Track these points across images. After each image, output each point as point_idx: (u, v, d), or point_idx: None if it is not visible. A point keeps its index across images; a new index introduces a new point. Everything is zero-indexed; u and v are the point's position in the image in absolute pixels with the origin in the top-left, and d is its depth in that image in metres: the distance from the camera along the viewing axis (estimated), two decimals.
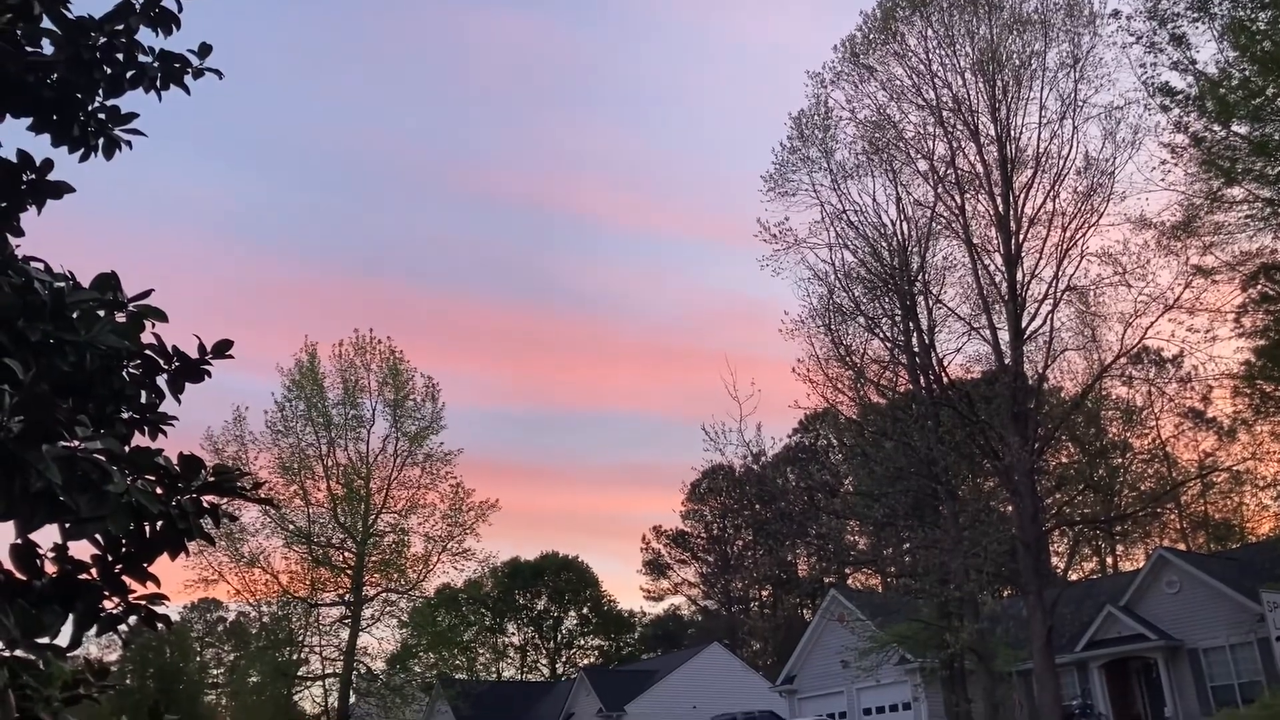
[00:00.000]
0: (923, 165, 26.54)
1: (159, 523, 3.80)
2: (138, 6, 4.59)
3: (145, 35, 4.66)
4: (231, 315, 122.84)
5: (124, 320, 4.85)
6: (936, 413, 26.04)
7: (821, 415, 55.45)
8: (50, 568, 3.75)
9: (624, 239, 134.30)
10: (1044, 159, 25.36)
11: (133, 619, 4.10)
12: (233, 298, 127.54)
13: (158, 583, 3.94)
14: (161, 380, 4.95)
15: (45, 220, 4.84)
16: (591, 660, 79.11)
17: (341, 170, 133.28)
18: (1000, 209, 25.72)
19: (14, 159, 4.45)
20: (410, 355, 77.61)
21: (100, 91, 4.69)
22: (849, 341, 26.98)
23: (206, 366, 4.90)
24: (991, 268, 25.89)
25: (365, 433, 53.23)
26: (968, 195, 26.01)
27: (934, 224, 26.49)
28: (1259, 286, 38.30)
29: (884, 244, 26.21)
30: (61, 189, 4.64)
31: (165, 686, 79.14)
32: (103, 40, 4.54)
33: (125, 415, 4.92)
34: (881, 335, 26.80)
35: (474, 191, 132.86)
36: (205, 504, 3.92)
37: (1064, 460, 37.98)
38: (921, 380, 26.60)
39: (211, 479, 3.93)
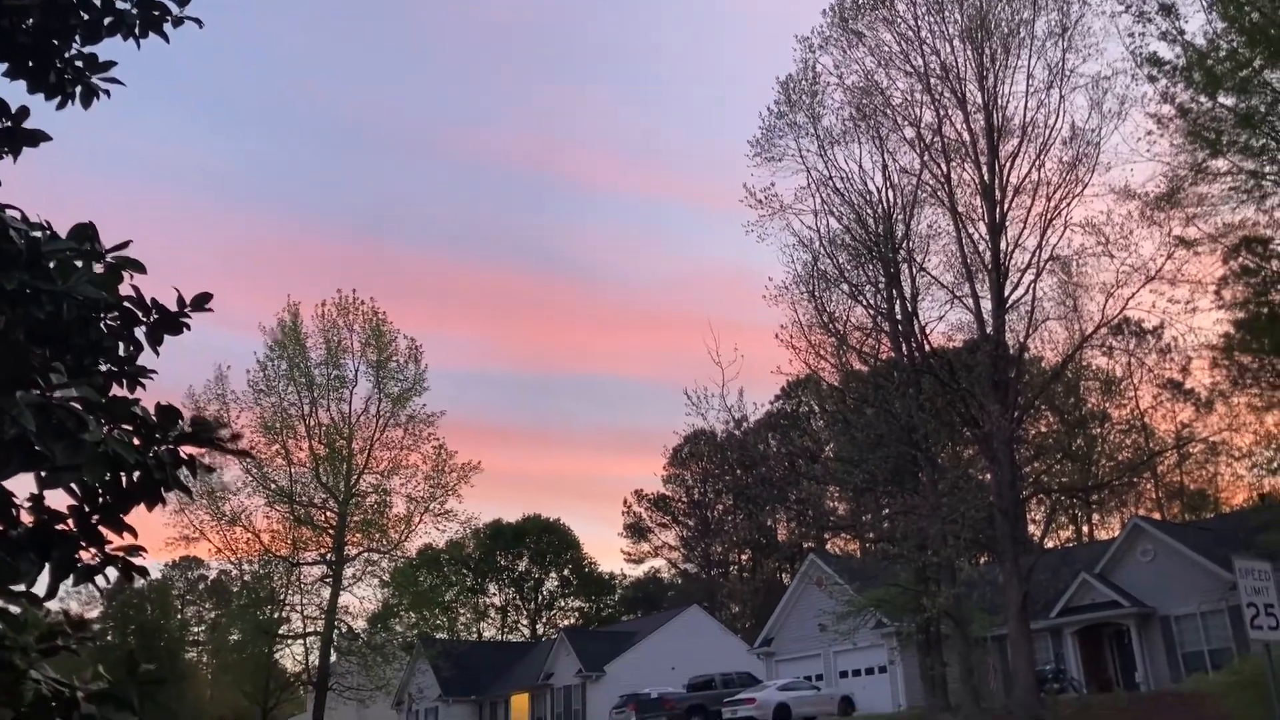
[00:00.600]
0: (909, 132, 26.52)
1: (135, 473, 3.78)
2: None
3: None
4: (214, 273, 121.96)
5: (102, 271, 4.80)
6: (918, 380, 26.17)
7: (803, 382, 55.67)
8: (26, 517, 3.74)
9: (613, 204, 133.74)
10: (1030, 128, 25.37)
11: (110, 570, 4.10)
12: (216, 256, 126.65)
13: (134, 534, 3.94)
14: (140, 332, 4.91)
15: (22, 169, 4.78)
16: (572, 621, 79.68)
17: (330, 129, 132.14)
18: (985, 178, 25.73)
19: None
20: (395, 316, 77.25)
21: (78, 37, 4.62)
22: (832, 308, 27.04)
23: (185, 319, 4.86)
24: (975, 236, 25.96)
25: (348, 393, 53.13)
26: (953, 163, 26.01)
27: (919, 192, 26.51)
28: (1240, 259, 38.54)
29: (869, 211, 26.22)
30: (38, 137, 4.58)
31: (145, 643, 79.35)
32: None
33: (103, 368, 4.89)
34: (865, 302, 26.87)
35: (464, 153, 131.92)
36: (183, 455, 3.91)
37: (1042, 430, 38.24)
38: (904, 348, 26.69)
39: (189, 430, 3.92)
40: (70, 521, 3.87)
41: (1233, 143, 18.60)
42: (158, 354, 4.85)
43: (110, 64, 4.73)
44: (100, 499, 3.74)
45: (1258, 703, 13.53)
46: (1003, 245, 25.63)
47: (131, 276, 4.69)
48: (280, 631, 54.21)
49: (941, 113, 26.02)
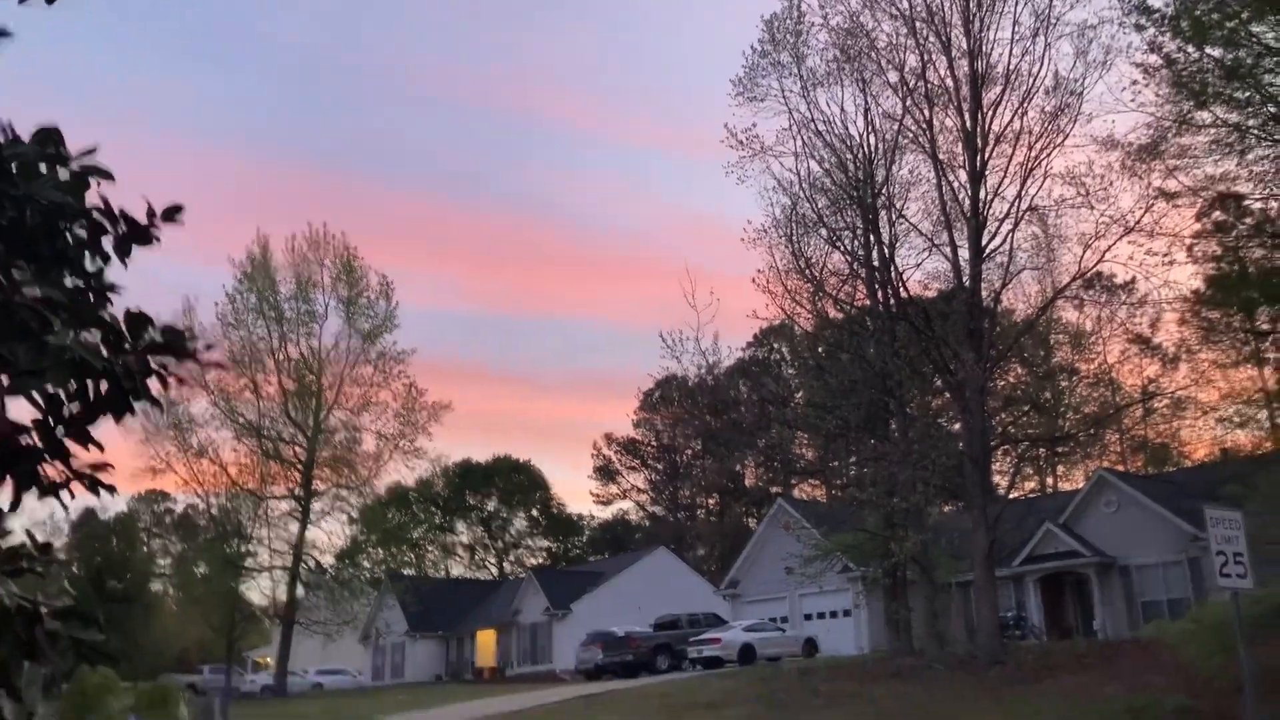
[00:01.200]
0: (893, 76, 26.20)
1: (103, 383, 3.61)
2: None
3: None
4: (182, 205, 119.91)
5: (68, 179, 4.57)
6: (893, 327, 26.16)
7: (777, 329, 55.69)
8: None
9: (593, 147, 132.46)
10: (1014, 76, 25.13)
11: (75, 486, 3.93)
12: (184, 188, 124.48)
13: (101, 448, 3.77)
14: (108, 244, 4.71)
15: None
16: (539, 561, 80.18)
17: (304, 63, 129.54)
18: (968, 125, 25.53)
19: None
20: (368, 253, 76.55)
21: None
22: (810, 253, 26.86)
23: (155, 231, 4.66)
24: (955, 184, 25.82)
25: (317, 328, 52.79)
26: (936, 109, 25.77)
27: (901, 137, 26.27)
28: (1214, 215, 38.67)
29: (850, 155, 25.98)
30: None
31: (110, 575, 79.05)
32: None
33: (69, 282, 4.68)
34: (842, 249, 26.73)
35: (442, 91, 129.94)
36: (153, 365, 3.73)
37: (1011, 381, 38.47)
38: (880, 295, 26.63)
39: (160, 339, 3.73)
40: (34, 435, 3.70)
41: (1218, 94, 18.52)
42: (126, 267, 4.65)
43: None
44: (66, 411, 3.57)
45: (1218, 650, 13.77)
46: (982, 194, 25.52)
47: (99, 185, 4.48)
48: (247, 565, 54.24)
49: (926, 57, 25.73)
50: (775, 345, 66.61)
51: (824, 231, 26.09)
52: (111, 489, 4.09)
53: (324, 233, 52.91)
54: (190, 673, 59.02)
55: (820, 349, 32.56)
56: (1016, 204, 25.20)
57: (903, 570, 27.04)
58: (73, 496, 4.05)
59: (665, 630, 39.03)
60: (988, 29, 25.36)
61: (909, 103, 25.80)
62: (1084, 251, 24.90)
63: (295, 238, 52.65)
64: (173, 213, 4.81)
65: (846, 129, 26.23)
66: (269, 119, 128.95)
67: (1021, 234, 25.86)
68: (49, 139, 4.58)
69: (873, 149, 26.07)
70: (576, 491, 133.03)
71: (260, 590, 60.95)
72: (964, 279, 25.53)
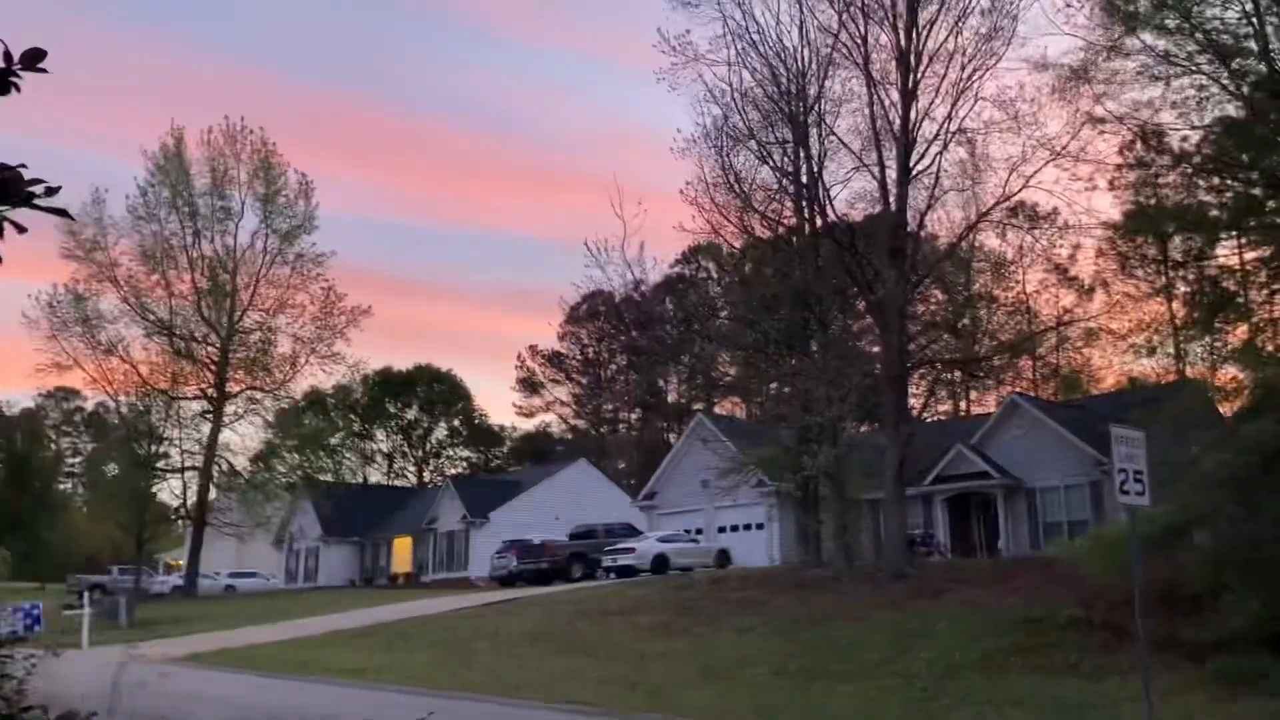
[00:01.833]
0: None
1: None
2: None
3: None
4: (96, 96, 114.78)
5: None
6: (817, 245, 26.13)
7: (705, 248, 55.49)
8: None
9: (523, 54, 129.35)
10: None
11: None
12: (96, 79, 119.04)
13: None
14: None
15: None
16: (460, 471, 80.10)
17: None
18: (902, 42, 25.29)
19: None
20: (288, 155, 74.20)
21: None
22: (739, 168, 26.54)
23: (14, 78, 4.24)
24: (887, 103, 25.66)
25: (233, 226, 51.35)
26: (872, 24, 25.46)
27: (835, 52, 25.92)
28: (1135, 150, 39.19)
29: (783, 68, 25.58)
30: None
31: (14, 473, 77.22)
32: None
33: None
34: (772, 164, 26.46)
35: None
36: None
37: (932, 308, 39.04)
38: (806, 212, 26.53)
39: None
40: None
41: (1148, 21, 18.53)
42: None
43: None
44: None
45: (1114, 565, 14.21)
46: (913, 114, 25.43)
47: None
48: (158, 466, 53.26)
49: None
50: (702, 263, 66.52)
51: (754, 145, 25.79)
52: None
53: (241, 127, 51.13)
54: (99, 573, 58.14)
55: (746, 265, 32.50)
56: (946, 125, 25.20)
57: (815, 485, 27.44)
58: None
59: (581, 540, 39.32)
60: None
61: (845, 16, 25.45)
62: (1009, 175, 25.04)
63: (211, 131, 50.82)
64: (35, 58, 4.38)
65: (781, 40, 25.81)
66: (189, 8, 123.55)
67: (949, 158, 25.92)
68: None
69: (806, 62, 25.73)
70: (499, 403, 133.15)
71: (171, 491, 59.98)
72: (890, 199, 25.52)
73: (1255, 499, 14.33)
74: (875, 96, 25.56)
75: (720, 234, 27.54)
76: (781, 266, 26.90)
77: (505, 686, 16.16)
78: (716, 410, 59.71)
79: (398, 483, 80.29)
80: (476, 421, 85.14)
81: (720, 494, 35.75)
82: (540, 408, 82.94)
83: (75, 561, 69.06)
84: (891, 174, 25.61)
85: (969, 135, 25.52)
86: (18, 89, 4.37)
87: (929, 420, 44.53)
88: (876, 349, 28.04)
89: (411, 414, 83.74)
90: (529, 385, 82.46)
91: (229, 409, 51.99)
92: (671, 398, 77.07)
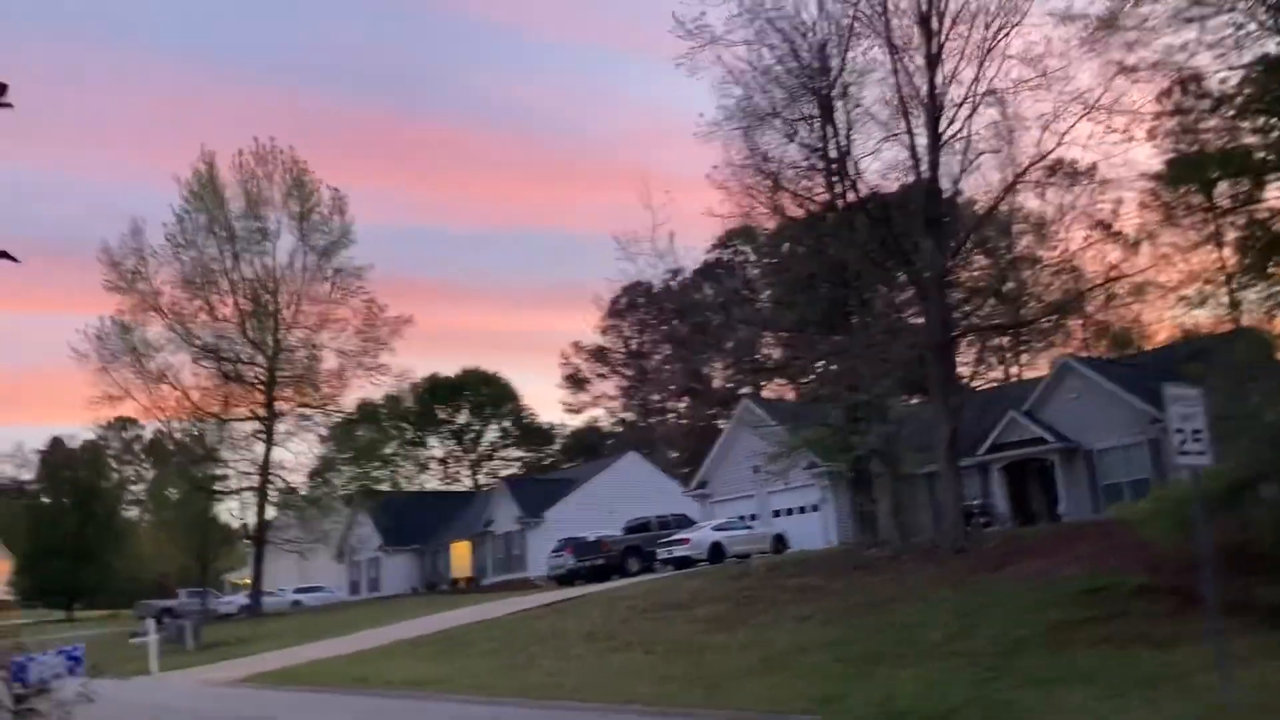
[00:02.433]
0: None
1: None
2: None
3: None
4: (130, 128, 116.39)
5: None
6: (851, 220, 25.67)
7: (739, 232, 54.99)
8: None
9: (549, 52, 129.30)
10: None
11: None
12: (130, 111, 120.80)
13: None
14: None
15: None
16: (514, 472, 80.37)
17: None
18: (923, 6, 24.73)
19: None
20: (323, 172, 74.75)
21: None
22: (765, 148, 26.11)
23: None
24: (912, 69, 25.08)
25: (271, 246, 51.79)
26: None
27: (855, 22, 25.37)
28: (1173, 95, 38.12)
29: (802, 42, 25.08)
30: None
31: (80, 503, 78.68)
32: None
33: None
34: (799, 141, 25.98)
35: (389, 2, 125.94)
36: None
37: (974, 274, 38.22)
38: (837, 187, 26.05)
39: None
40: None
41: None
42: None
43: None
44: None
45: (1177, 528, 13.72)
46: (939, 79, 24.87)
47: None
48: (217, 488, 54.01)
49: None
50: (739, 248, 66.05)
51: (779, 123, 25.33)
52: None
53: (271, 147, 51.52)
54: (168, 597, 59.08)
55: (781, 245, 32.08)
56: (974, 87, 24.59)
57: (867, 464, 27.04)
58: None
59: (635, 533, 39.22)
60: None
61: None
62: (1043, 134, 24.42)
63: (242, 154, 51.27)
64: None
65: (798, 13, 25.28)
66: (218, 33, 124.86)
67: (980, 120, 25.29)
68: None
69: (826, 34, 25.19)
70: (547, 401, 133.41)
71: (230, 512, 60.81)
72: (922, 167, 24.99)
73: None
74: (899, 64, 25.03)
75: (751, 216, 27.16)
76: (816, 244, 26.46)
77: (564, 689, 16.03)
78: (763, 394, 59.21)
79: (453, 488, 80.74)
80: (526, 421, 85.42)
81: (772, 478, 35.42)
82: (587, 403, 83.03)
83: (144, 587, 70.24)
84: (922, 141, 25.08)
85: (998, 96, 24.90)
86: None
87: (979, 389, 43.74)
88: (919, 320, 27.51)
89: (462, 419, 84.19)
90: (574, 381, 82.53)
91: (280, 427, 52.55)
92: (717, 384, 76.68)
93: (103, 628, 55.95)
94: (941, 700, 11.62)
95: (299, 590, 58.39)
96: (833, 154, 25.75)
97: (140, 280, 49.51)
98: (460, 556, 56.86)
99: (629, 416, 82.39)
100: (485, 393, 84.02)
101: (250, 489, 52.84)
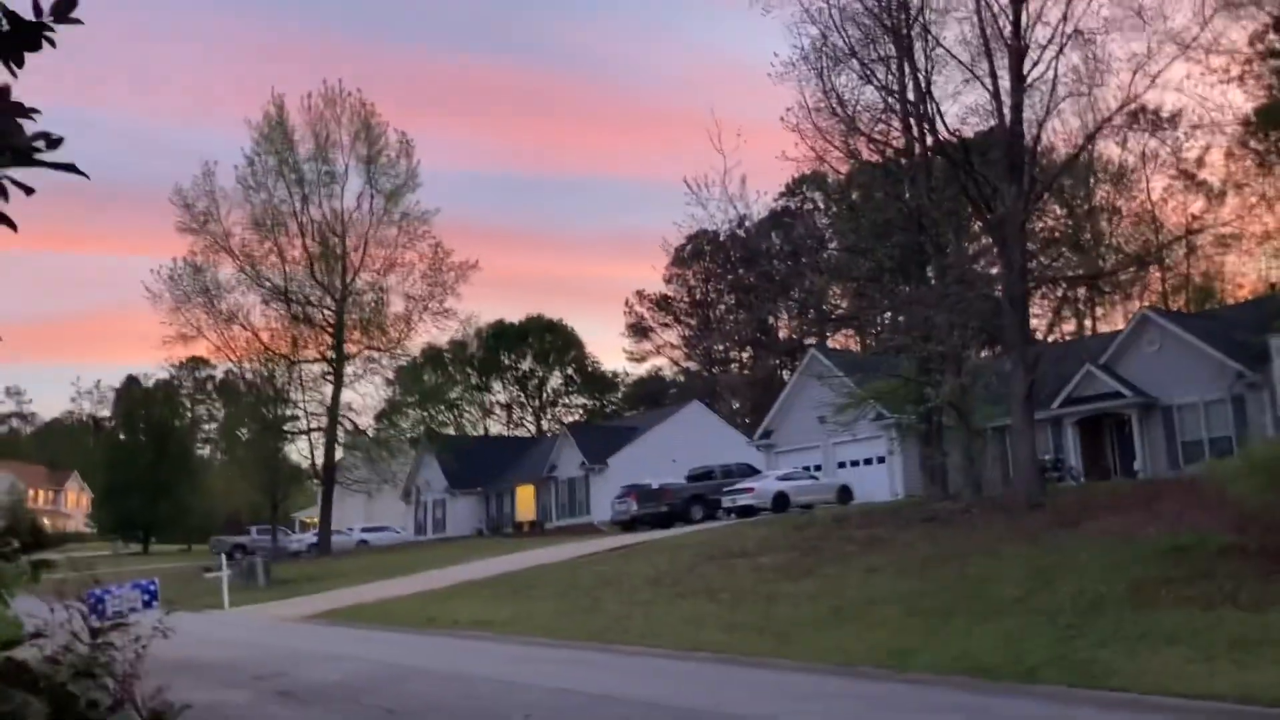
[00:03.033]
0: None
1: None
2: None
3: None
4: (199, 74, 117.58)
5: None
6: (929, 164, 24.96)
7: (810, 179, 54.01)
8: None
9: None
10: None
11: None
12: (200, 56, 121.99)
13: None
14: None
15: None
16: (576, 418, 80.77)
17: None
18: None
19: None
20: (389, 117, 74.81)
21: None
22: (841, 90, 25.43)
23: (48, 32, 3.91)
24: (995, 6, 24.17)
25: (339, 189, 51.98)
26: None
27: None
28: (1267, 40, 36.44)
29: None
30: None
31: (155, 441, 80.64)
32: None
33: None
34: (876, 83, 25.27)
35: None
36: None
37: (1050, 224, 37.26)
38: (915, 130, 25.32)
39: None
40: None
41: None
42: (15, 75, 3.93)
43: None
44: None
45: (1270, 485, 13.20)
46: (1024, 17, 23.94)
47: None
48: (287, 428, 54.97)
49: None
50: (808, 195, 65.03)
51: (855, 64, 24.63)
52: None
53: (340, 91, 51.58)
54: (240, 534, 60.55)
55: (854, 192, 31.39)
56: (1061, 27, 23.65)
57: (938, 416, 26.53)
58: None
59: (699, 481, 39.15)
60: None
61: None
62: (1133, 76, 23.42)
63: (311, 96, 51.39)
64: (65, 8, 4.04)
65: None
66: None
67: (1065, 63, 24.33)
68: None
69: None
70: (610, 349, 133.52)
71: (299, 452, 61.92)
72: (1004, 110, 24.15)
73: None
74: (982, 1, 24.12)
75: (825, 160, 26.58)
76: (892, 190, 25.79)
77: (631, 634, 16.00)
78: (829, 344, 58.57)
79: (517, 433, 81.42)
80: (589, 369, 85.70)
81: (838, 429, 35.03)
82: (651, 352, 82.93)
83: (216, 524, 72.07)
84: (1004, 84, 24.22)
85: (1086, 36, 23.93)
86: (52, 43, 4.02)
87: (1054, 341, 42.75)
88: (996, 270, 26.79)
89: (526, 365, 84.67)
90: (638, 330, 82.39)
91: (348, 369, 53.14)
92: (783, 334, 76.02)
93: (178, 561, 57.60)
94: (1020, 658, 11.33)
95: (366, 530, 59.44)
96: (911, 96, 25.04)
97: (211, 222, 50.15)
98: (525, 500, 57.39)
99: (692, 366, 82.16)
100: (549, 340, 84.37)
101: (319, 429, 53.66)
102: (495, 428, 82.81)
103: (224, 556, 31.92)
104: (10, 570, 3.97)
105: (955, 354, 24.05)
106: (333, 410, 52.55)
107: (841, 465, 40.34)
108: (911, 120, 25.12)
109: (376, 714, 9.71)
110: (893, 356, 30.18)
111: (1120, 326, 41.51)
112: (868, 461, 39.30)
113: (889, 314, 32.15)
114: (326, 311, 52.55)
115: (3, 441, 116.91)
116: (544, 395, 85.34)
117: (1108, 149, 42.64)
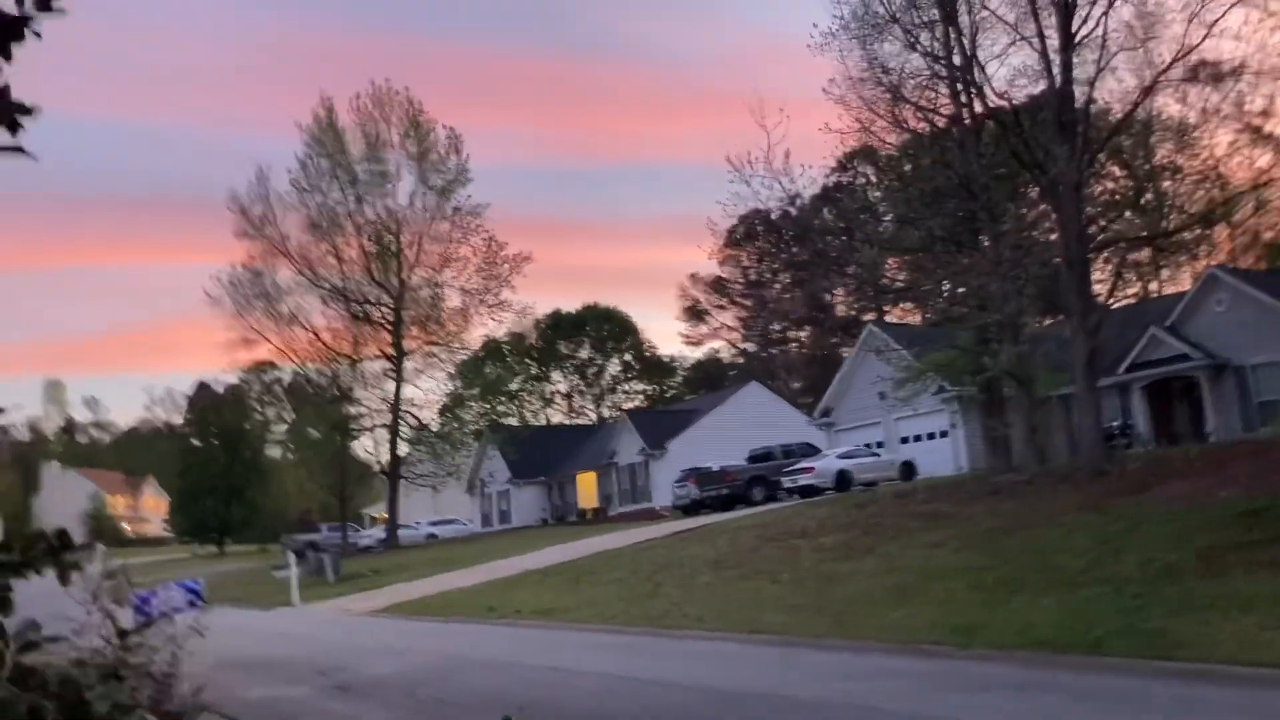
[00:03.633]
0: None
1: None
2: None
3: None
4: (248, 79, 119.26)
5: None
6: (978, 129, 24.40)
7: (859, 153, 53.25)
8: None
9: None
10: None
11: None
12: (246, 61, 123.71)
13: None
14: None
15: None
16: (637, 404, 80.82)
17: None
18: None
19: None
20: (437, 113, 75.26)
21: None
22: (884, 58, 24.94)
23: (26, 20, 3.86)
24: None
25: (391, 188, 52.42)
26: None
27: None
28: None
29: None
30: None
31: (228, 444, 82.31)
32: None
33: None
34: (920, 48, 24.72)
35: None
36: None
37: (1110, 186, 36.30)
38: (962, 96, 24.76)
39: None
40: None
41: None
42: (7, 62, 3.88)
43: None
44: None
45: None
46: None
47: None
48: (352, 426, 55.75)
49: None
50: (858, 168, 64.18)
51: (899, 31, 24.11)
52: None
53: (387, 90, 51.97)
54: (311, 532, 61.57)
55: (903, 162, 30.85)
56: None
57: (999, 386, 26.02)
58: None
59: (759, 462, 38.91)
60: None
61: None
62: (1188, 26, 22.64)
63: (359, 97, 51.85)
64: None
65: None
66: None
67: (1116, 18, 23.58)
68: None
69: None
70: (666, 334, 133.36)
71: (365, 449, 62.78)
72: (1053, 70, 23.50)
73: None
74: None
75: (870, 131, 26.08)
76: (941, 158, 25.26)
77: (691, 618, 15.91)
78: (887, 318, 57.82)
79: (580, 422, 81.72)
80: (647, 355, 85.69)
81: (898, 405, 34.53)
82: (707, 335, 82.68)
83: (288, 523, 73.40)
84: (1053, 43, 23.54)
85: None
86: (36, 35, 3.97)
87: (1117, 305, 41.71)
88: (1053, 235, 26.13)
89: (584, 353, 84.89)
90: (694, 314, 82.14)
91: (408, 365, 53.69)
92: (839, 310, 75.27)
93: (252, 561, 58.76)
94: (1086, 630, 11.02)
95: (433, 523, 60.13)
96: (956, 61, 24.47)
97: (268, 226, 50.90)
98: (586, 487, 57.57)
99: (749, 347, 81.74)
100: (606, 327, 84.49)
101: (383, 426, 54.32)
102: (556, 417, 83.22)
103: (293, 554, 32.43)
104: None
105: (1013, 322, 23.52)
106: (395, 406, 53.17)
107: (904, 441, 39.80)
108: (958, 85, 24.56)
109: (430, 705, 9.74)
110: (951, 328, 29.66)
111: (1186, 287, 40.34)
112: (930, 436, 38.73)
113: (945, 285, 31.61)
114: (385, 309, 53.13)
115: (83, 450, 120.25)
116: (603, 383, 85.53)
117: (1167, 106, 41.38)
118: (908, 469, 35.86)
